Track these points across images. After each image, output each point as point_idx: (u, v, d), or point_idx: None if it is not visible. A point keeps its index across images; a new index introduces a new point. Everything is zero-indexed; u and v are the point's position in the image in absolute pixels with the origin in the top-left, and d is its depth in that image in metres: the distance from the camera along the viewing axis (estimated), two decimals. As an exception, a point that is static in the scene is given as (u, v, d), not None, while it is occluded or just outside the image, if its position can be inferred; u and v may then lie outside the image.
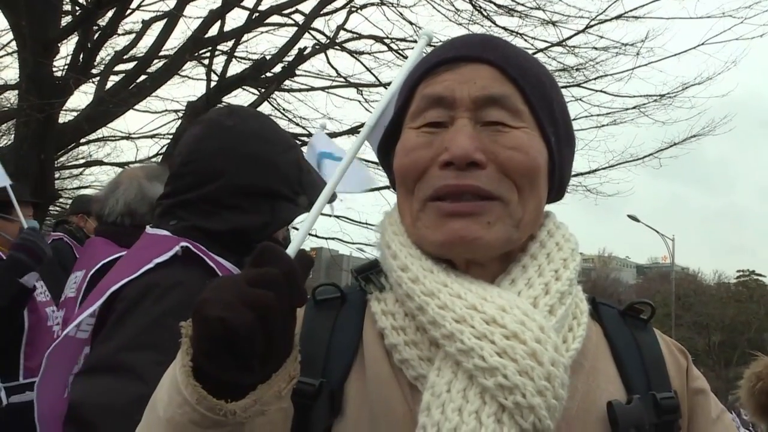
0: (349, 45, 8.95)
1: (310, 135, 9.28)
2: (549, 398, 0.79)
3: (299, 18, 8.39)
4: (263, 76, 8.19)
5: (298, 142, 9.34)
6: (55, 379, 1.57)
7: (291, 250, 0.87)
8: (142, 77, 7.78)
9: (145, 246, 1.62)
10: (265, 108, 8.90)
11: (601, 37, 8.49)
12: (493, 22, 8.53)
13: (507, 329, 0.82)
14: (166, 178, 2.32)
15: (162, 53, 8.11)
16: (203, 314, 0.72)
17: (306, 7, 8.31)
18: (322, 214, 1.08)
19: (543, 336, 0.82)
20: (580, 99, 8.82)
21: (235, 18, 8.58)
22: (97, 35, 7.28)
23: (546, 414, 0.79)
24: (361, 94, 9.18)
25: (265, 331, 0.73)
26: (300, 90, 9.45)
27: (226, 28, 7.69)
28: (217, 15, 7.48)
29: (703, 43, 8.47)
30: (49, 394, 1.56)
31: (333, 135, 9.20)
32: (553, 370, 0.80)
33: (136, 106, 8.07)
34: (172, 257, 1.50)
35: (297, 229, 1.09)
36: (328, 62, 8.93)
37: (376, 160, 1.12)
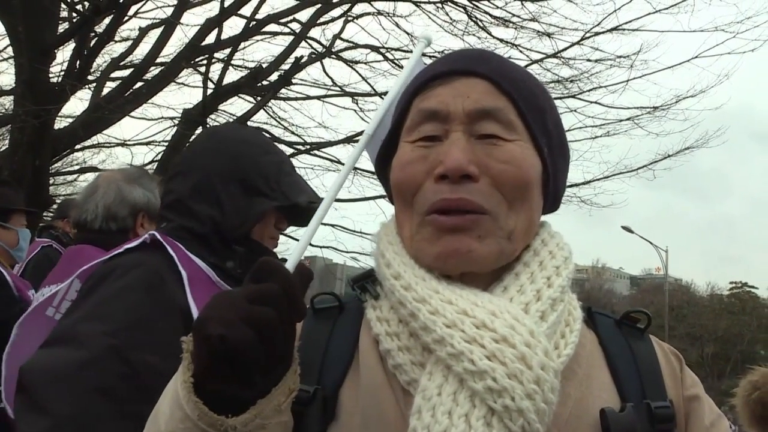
0: (345, 54, 8.99)
1: (305, 143, 9.32)
2: (538, 402, 0.80)
3: (296, 27, 8.43)
4: (259, 84, 8.22)
5: (293, 150, 9.33)
6: (24, 355, 1.59)
7: (290, 264, 0.88)
8: (139, 84, 7.78)
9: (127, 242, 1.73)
10: (260, 116, 8.93)
11: (596, 49, 8.57)
12: (489, 33, 8.59)
13: (497, 333, 0.83)
14: (145, 180, 2.42)
15: (158, 60, 8.12)
16: (204, 332, 0.73)
17: (303, 16, 8.37)
18: (323, 224, 1.09)
19: (533, 340, 0.83)
20: (575, 110, 8.86)
21: (232, 26, 8.62)
22: (93, 42, 7.27)
23: (535, 417, 0.80)
24: (357, 104, 9.21)
25: (265, 347, 0.74)
26: (296, 98, 9.47)
27: (223, 36, 7.71)
28: (214, 23, 7.50)
29: (696, 57, 8.54)
30: (15, 368, 1.58)
31: (328, 144, 9.22)
32: (542, 374, 0.81)
33: (132, 113, 8.05)
34: (140, 244, 1.64)
35: (297, 239, 1.09)
36: (324, 71, 8.96)
37: (372, 169, 1.13)
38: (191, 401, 0.75)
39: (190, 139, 7.87)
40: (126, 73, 8.35)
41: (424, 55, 1.37)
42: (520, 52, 8.57)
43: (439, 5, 8.45)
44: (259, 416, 0.76)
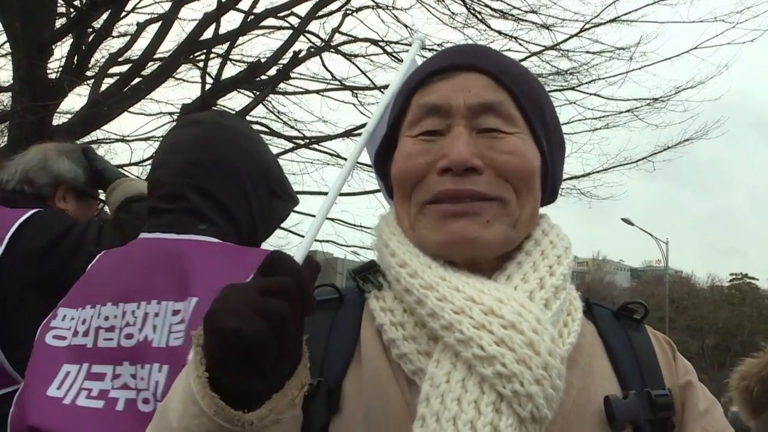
0: (344, 48, 8.95)
1: (305, 137, 9.30)
2: (546, 387, 0.81)
3: (294, 21, 8.39)
4: (258, 78, 8.18)
5: (292, 144, 9.29)
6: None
7: (298, 257, 0.88)
8: (137, 80, 7.75)
9: (227, 252, 1.52)
10: (259, 111, 8.90)
11: (595, 41, 8.53)
12: (488, 26, 8.56)
13: (505, 319, 0.83)
14: (77, 156, 2.27)
15: (157, 56, 8.08)
16: (217, 324, 0.72)
17: (301, 10, 8.32)
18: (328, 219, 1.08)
19: (540, 327, 0.84)
20: (574, 102, 8.83)
21: (230, 21, 8.56)
22: (91, 37, 7.25)
23: (544, 403, 0.80)
24: (356, 97, 9.18)
25: (278, 340, 0.73)
26: (295, 93, 9.44)
27: (221, 31, 7.68)
28: (212, 18, 7.47)
29: (695, 47, 8.53)
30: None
31: (327, 138, 9.21)
32: (550, 360, 0.82)
33: (131, 109, 8.03)
34: None
35: (302, 236, 1.09)
36: (323, 65, 8.93)
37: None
38: (207, 396, 0.74)
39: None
40: (124, 68, 8.31)
41: (424, 48, 1.36)
42: (520, 44, 8.55)
43: (438, -2, 8.42)
44: (274, 411, 0.76)
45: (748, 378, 2.51)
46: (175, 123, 7.84)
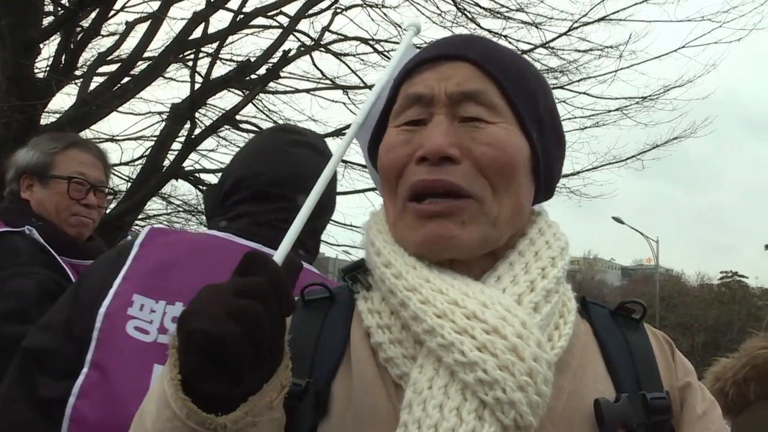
0: (334, 47, 8.93)
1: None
2: (531, 394, 0.78)
3: (284, 20, 8.36)
4: (248, 78, 8.14)
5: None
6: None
7: (278, 256, 0.86)
8: (126, 79, 7.71)
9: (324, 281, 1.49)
10: (249, 110, 8.86)
11: (584, 39, 8.55)
12: (477, 24, 8.56)
13: (487, 324, 0.81)
14: (42, 140, 2.15)
15: (146, 55, 8.02)
16: (188, 327, 0.71)
17: (291, 9, 8.29)
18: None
19: (525, 332, 0.81)
20: (564, 101, 8.84)
21: (220, 20, 8.54)
22: (80, 36, 7.19)
23: (528, 410, 0.78)
24: (347, 96, 9.17)
25: (253, 342, 0.71)
26: (285, 92, 9.40)
27: (211, 30, 7.64)
28: (201, 17, 7.43)
29: (683, 47, 8.57)
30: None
31: (318, 137, 9.17)
32: (534, 365, 0.80)
33: (120, 108, 7.98)
34: None
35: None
36: (314, 64, 8.90)
37: (362, 162, 1.12)
38: (179, 399, 0.72)
39: (179, 134, 7.84)
40: (113, 67, 8.24)
41: (417, 35, 1.35)
42: (509, 42, 8.53)
43: (428, -4, 8.42)
44: (250, 413, 0.74)
45: (723, 380, 2.52)
46: (164, 122, 7.79)
